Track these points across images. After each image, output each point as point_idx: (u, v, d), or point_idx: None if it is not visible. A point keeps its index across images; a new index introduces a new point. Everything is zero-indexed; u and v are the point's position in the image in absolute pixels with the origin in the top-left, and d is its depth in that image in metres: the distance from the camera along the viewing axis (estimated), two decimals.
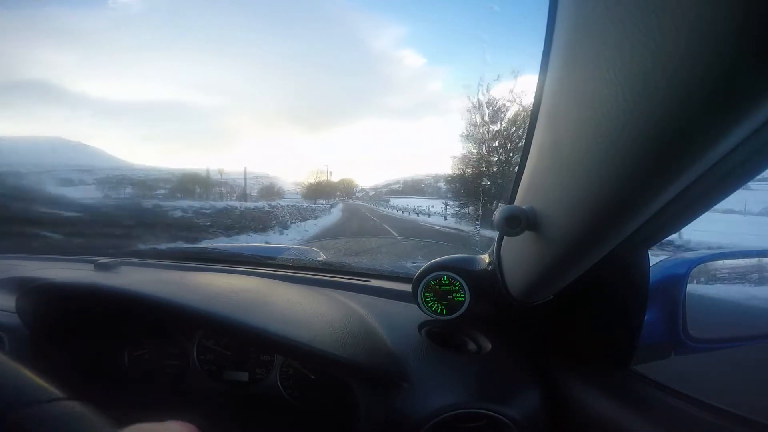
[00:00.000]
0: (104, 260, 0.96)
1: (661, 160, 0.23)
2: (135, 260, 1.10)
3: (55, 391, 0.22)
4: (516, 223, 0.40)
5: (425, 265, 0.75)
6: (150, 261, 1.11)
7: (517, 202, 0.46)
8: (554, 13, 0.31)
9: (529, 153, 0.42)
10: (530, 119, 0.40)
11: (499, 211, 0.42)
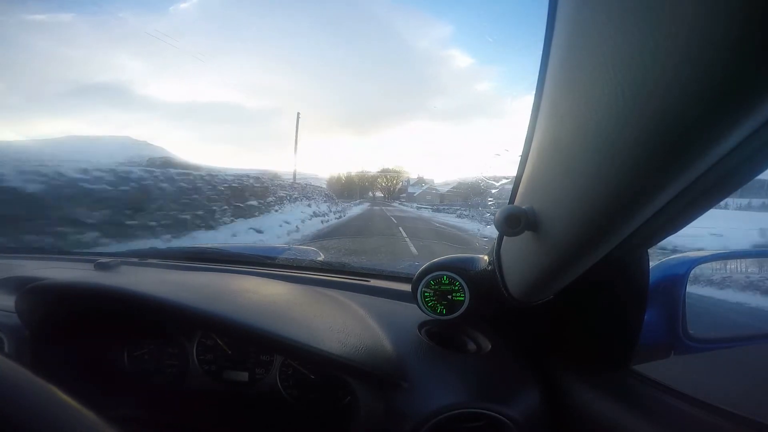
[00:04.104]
0: (104, 260, 0.96)
1: (660, 160, 0.23)
2: (135, 260, 1.10)
3: (54, 390, 0.22)
4: (516, 223, 0.40)
5: (425, 265, 0.75)
6: (150, 261, 1.11)
7: (517, 202, 0.46)
8: (554, 13, 0.31)
9: (529, 153, 0.42)
10: (530, 119, 0.39)
11: (499, 211, 0.42)
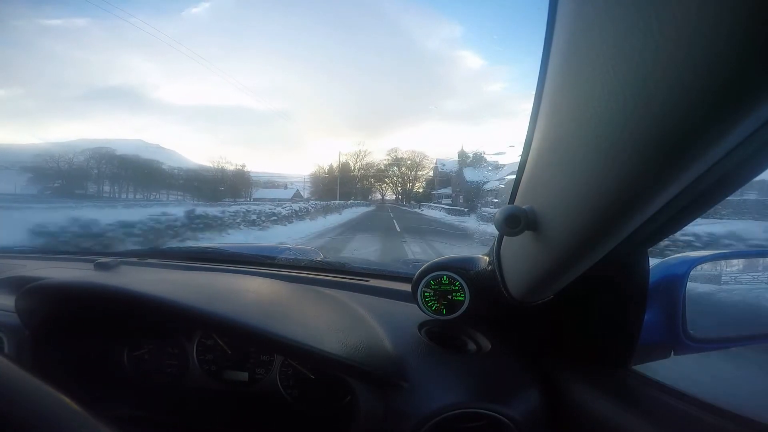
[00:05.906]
0: (104, 260, 0.96)
1: (660, 160, 0.23)
2: (134, 260, 1.10)
3: (54, 391, 0.22)
4: (516, 223, 0.40)
5: (425, 264, 0.75)
6: (150, 260, 1.11)
7: (517, 202, 0.46)
8: (554, 13, 0.31)
9: (529, 153, 0.42)
10: (530, 119, 0.40)
11: (499, 211, 0.42)
